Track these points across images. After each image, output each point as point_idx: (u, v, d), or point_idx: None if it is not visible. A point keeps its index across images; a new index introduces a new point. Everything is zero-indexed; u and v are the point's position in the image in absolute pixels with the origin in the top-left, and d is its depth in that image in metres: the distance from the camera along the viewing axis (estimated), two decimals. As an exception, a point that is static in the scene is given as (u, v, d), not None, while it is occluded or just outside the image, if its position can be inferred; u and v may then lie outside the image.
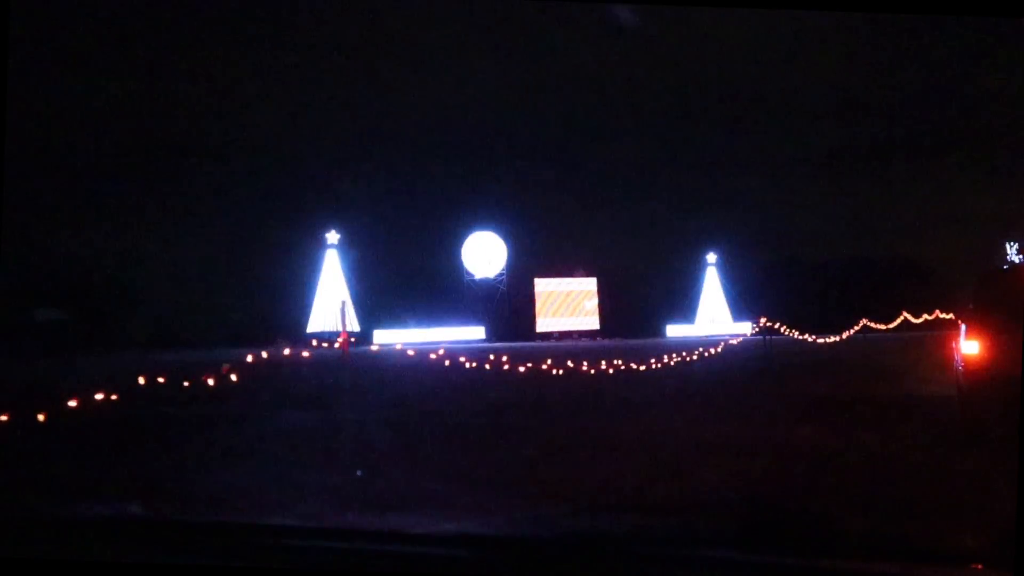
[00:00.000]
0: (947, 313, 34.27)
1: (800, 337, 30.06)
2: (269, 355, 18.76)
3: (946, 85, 62.82)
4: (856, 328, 32.61)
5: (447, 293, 55.75)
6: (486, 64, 73.43)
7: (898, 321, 35.43)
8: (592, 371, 18.90)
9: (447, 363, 18.16)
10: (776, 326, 29.46)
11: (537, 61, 76.49)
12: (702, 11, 51.33)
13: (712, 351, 23.58)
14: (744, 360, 24.92)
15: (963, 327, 12.86)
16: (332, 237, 50.92)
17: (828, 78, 71.17)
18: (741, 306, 60.27)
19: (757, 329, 29.56)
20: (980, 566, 4.86)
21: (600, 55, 70.12)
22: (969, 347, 12.42)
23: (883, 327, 34.86)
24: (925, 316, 37.28)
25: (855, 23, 54.90)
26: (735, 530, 5.82)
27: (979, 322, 12.58)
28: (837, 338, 30.91)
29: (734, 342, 27.19)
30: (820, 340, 30.69)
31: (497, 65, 71.94)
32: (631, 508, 7.64)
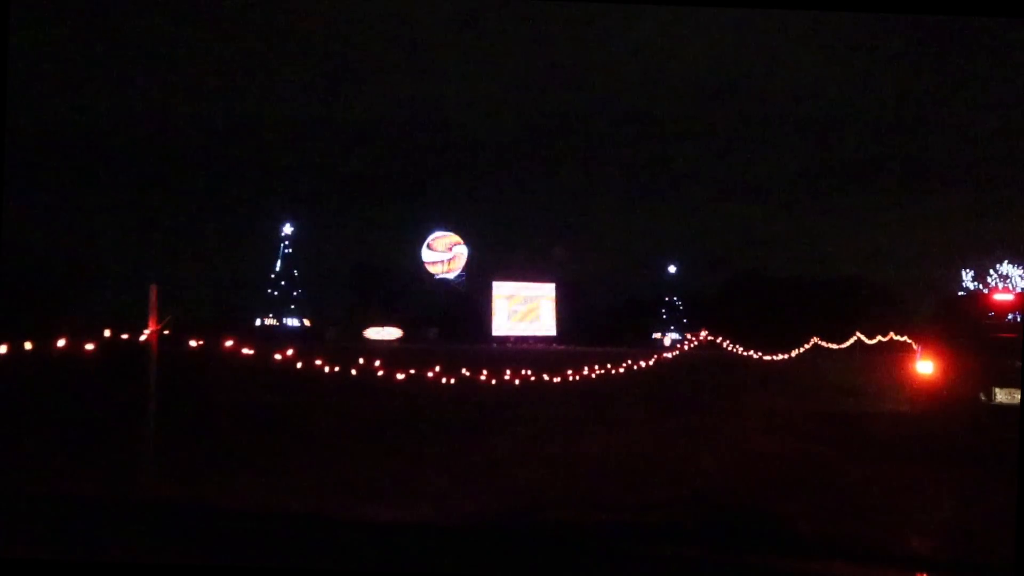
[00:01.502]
0: (901, 335, 34.27)
1: (743, 352, 29.57)
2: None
3: (909, 114, 63.75)
4: (807, 346, 32.44)
5: (403, 292, 55.23)
6: (454, 61, 73.07)
7: (850, 341, 35.45)
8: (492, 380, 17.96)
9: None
10: (717, 340, 29.05)
11: (508, 61, 76.30)
12: (674, 26, 51.45)
13: (643, 363, 22.90)
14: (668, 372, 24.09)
15: (919, 348, 13.52)
16: (286, 229, 50.27)
17: (797, 103, 71.94)
18: (695, 319, 60.63)
19: (694, 342, 29.16)
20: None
21: (573, 60, 70.16)
22: (924, 367, 13.20)
23: (835, 346, 34.86)
24: (879, 337, 37.38)
25: (825, 46, 55.38)
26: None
27: (934, 344, 13.29)
28: (785, 356, 30.52)
29: (669, 355, 26.56)
30: (767, 357, 30.14)
31: (466, 63, 71.61)
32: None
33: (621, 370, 20.79)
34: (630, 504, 7.59)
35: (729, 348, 28.95)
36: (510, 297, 58.22)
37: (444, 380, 15.12)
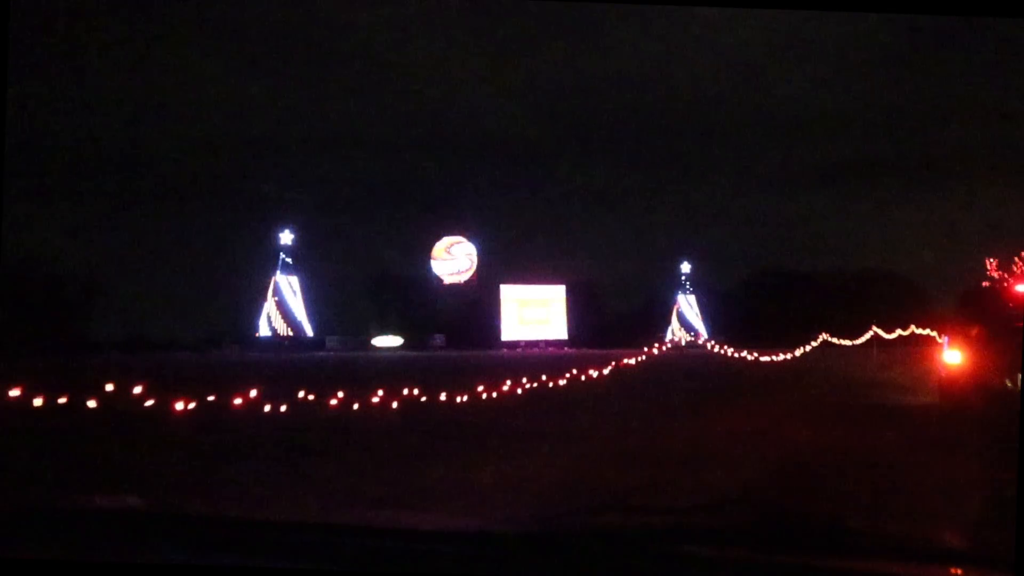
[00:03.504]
0: (924, 328, 32.32)
1: (734, 354, 27.45)
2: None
3: (932, 104, 62.24)
4: (814, 343, 30.35)
5: (411, 299, 54.14)
6: (464, 65, 72.05)
7: (866, 336, 33.50)
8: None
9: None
10: (700, 340, 27.35)
11: (517, 64, 75.27)
12: (690, 24, 50.20)
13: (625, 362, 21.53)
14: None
15: (945, 339, 14.14)
16: (286, 237, 49.02)
17: (816, 95, 70.54)
18: (706, 319, 59.46)
19: (674, 343, 27.45)
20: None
21: (584, 62, 69.12)
22: (951, 356, 13.64)
23: (847, 342, 32.74)
24: (899, 331, 35.56)
25: (844, 42, 54.12)
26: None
27: (961, 335, 13.78)
28: (788, 355, 28.30)
29: (632, 360, 24.80)
30: (765, 358, 27.85)
31: (476, 67, 70.58)
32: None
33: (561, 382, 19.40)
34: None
35: (718, 349, 27.16)
36: (519, 301, 57.06)
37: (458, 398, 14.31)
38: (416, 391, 16.39)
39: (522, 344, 54.21)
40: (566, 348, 53.71)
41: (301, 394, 14.84)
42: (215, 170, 58.79)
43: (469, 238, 57.46)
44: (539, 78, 71.51)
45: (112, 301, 45.80)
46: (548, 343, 55.11)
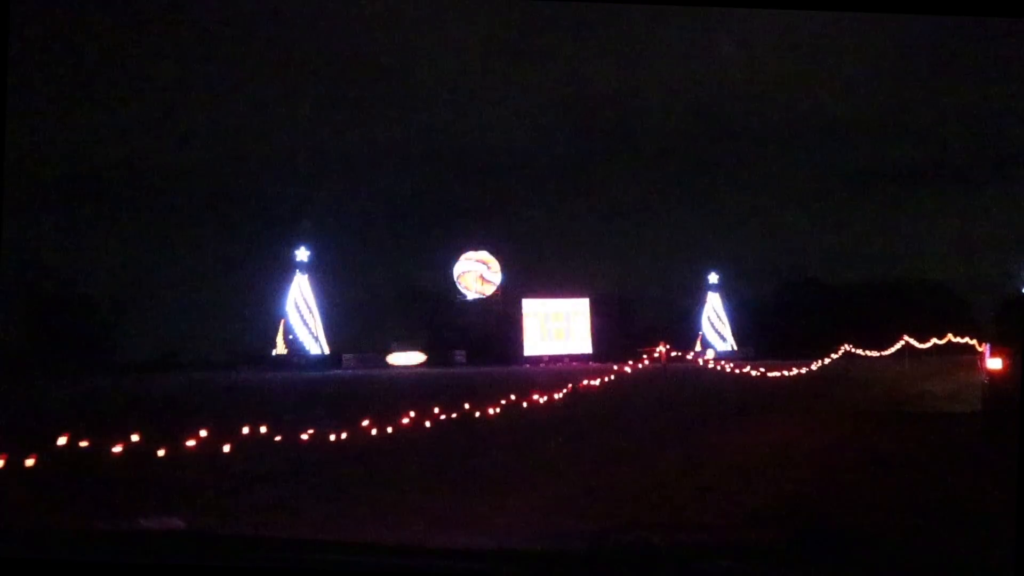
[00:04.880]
0: (962, 337, 30.56)
1: (738, 371, 25.39)
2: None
3: (970, 109, 60.39)
4: (835, 355, 28.39)
5: (431, 314, 53.22)
6: (483, 77, 71.33)
7: (896, 346, 31.65)
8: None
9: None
10: (682, 354, 25.55)
11: (538, 74, 74.39)
12: (714, 28, 48.99)
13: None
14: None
15: (987, 347, 14.18)
16: (301, 254, 48.26)
17: (850, 100, 68.91)
18: (734, 330, 58.23)
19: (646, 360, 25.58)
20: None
21: (604, 67, 68.01)
22: (994, 363, 13.71)
23: (875, 353, 30.75)
24: (934, 340, 33.79)
25: (880, 47, 52.66)
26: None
27: (1003, 342, 13.74)
28: (803, 369, 26.34)
29: (595, 382, 22.81)
30: (777, 373, 25.63)
31: (496, 78, 69.81)
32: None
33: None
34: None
35: (712, 365, 25.25)
36: (541, 315, 55.93)
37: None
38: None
39: (545, 359, 53.18)
40: (590, 363, 52.55)
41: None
42: (235, 186, 58.37)
43: (493, 252, 56.40)
44: (563, 89, 70.52)
45: (138, 321, 45.64)
46: (572, 357, 54.03)
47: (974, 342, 23.90)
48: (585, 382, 22.55)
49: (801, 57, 67.75)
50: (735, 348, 59.04)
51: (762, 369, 25.37)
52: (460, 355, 50.60)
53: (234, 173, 57.20)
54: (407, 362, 47.36)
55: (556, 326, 56.16)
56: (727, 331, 61.80)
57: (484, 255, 56.58)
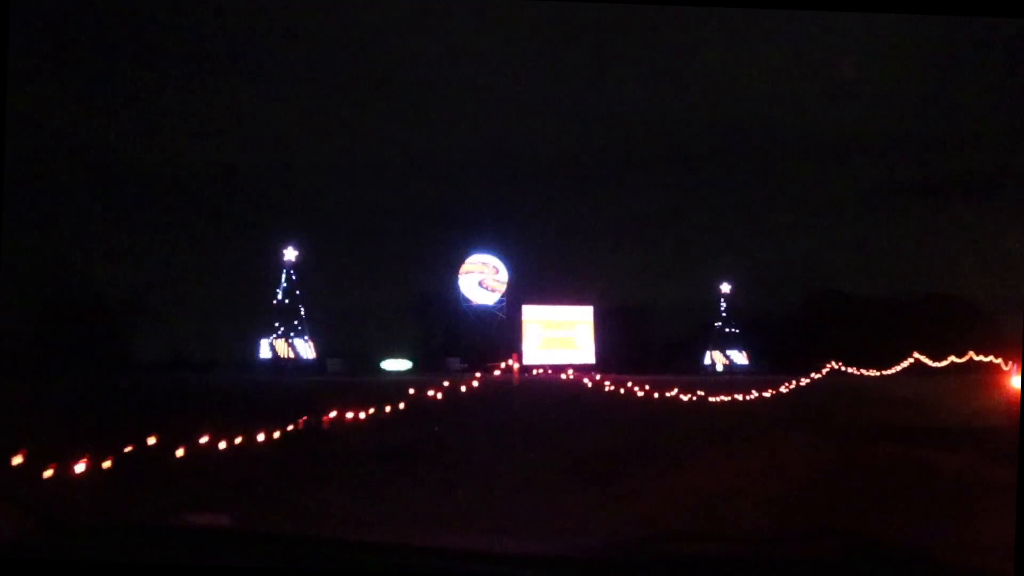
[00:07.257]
0: (984, 355, 28.11)
1: (640, 392, 22.71)
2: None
3: (995, 122, 58.32)
4: (821, 372, 26.27)
5: (431, 320, 51.64)
6: (489, 77, 69.72)
7: (904, 364, 29.28)
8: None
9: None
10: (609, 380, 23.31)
11: (544, 75, 72.64)
12: (729, 37, 47.29)
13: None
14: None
15: (1011, 366, 14.77)
16: (289, 254, 46.79)
17: (869, 113, 66.77)
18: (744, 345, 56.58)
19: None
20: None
21: (615, 76, 66.22)
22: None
23: (874, 372, 28.43)
24: (952, 358, 31.57)
25: (905, 58, 50.86)
26: None
27: None
28: (790, 385, 24.23)
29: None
30: (715, 398, 23.16)
31: (502, 78, 68.17)
32: None
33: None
34: None
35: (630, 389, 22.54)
36: (542, 322, 53.98)
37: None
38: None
39: (545, 370, 51.29)
40: (593, 374, 50.68)
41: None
42: (235, 190, 57.17)
43: (499, 258, 54.64)
44: (574, 97, 68.75)
45: (148, 322, 44.79)
46: (574, 368, 52.14)
47: (999, 360, 21.84)
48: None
49: (824, 66, 65.80)
50: (747, 361, 57.51)
51: (701, 392, 22.25)
52: (456, 362, 48.81)
53: (233, 176, 55.87)
54: (398, 368, 45.84)
55: (557, 334, 54.23)
56: (737, 344, 60.14)
57: (490, 259, 54.84)
